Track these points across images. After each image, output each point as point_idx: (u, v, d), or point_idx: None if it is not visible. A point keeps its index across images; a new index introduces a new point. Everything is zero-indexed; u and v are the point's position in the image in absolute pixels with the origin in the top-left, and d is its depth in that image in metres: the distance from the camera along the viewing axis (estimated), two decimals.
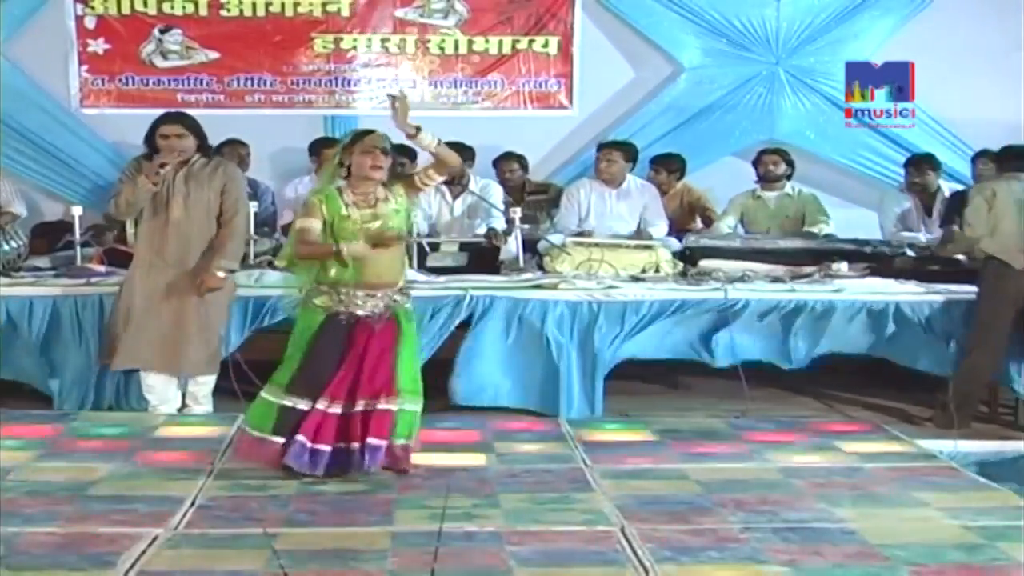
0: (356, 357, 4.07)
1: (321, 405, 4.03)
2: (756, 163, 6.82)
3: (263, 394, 4.15)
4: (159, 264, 5.04)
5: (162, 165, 4.90)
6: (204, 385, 5.21)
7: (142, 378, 5.18)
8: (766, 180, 6.77)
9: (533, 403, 5.43)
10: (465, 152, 6.63)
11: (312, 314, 4.11)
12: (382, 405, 4.07)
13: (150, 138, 5.02)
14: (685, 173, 7.11)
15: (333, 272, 4.07)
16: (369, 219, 4.08)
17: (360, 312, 4.08)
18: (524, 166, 7.08)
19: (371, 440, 4.04)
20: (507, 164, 7.01)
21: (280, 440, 4.04)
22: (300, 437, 4.00)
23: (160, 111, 5.34)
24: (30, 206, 7.04)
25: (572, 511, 3.78)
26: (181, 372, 5.14)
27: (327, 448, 4.03)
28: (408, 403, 4.12)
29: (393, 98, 4.17)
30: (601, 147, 6.69)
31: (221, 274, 4.97)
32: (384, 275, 4.12)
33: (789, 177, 6.83)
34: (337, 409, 4.04)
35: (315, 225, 4.03)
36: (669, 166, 7.04)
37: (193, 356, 5.06)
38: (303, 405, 4.04)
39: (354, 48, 7.49)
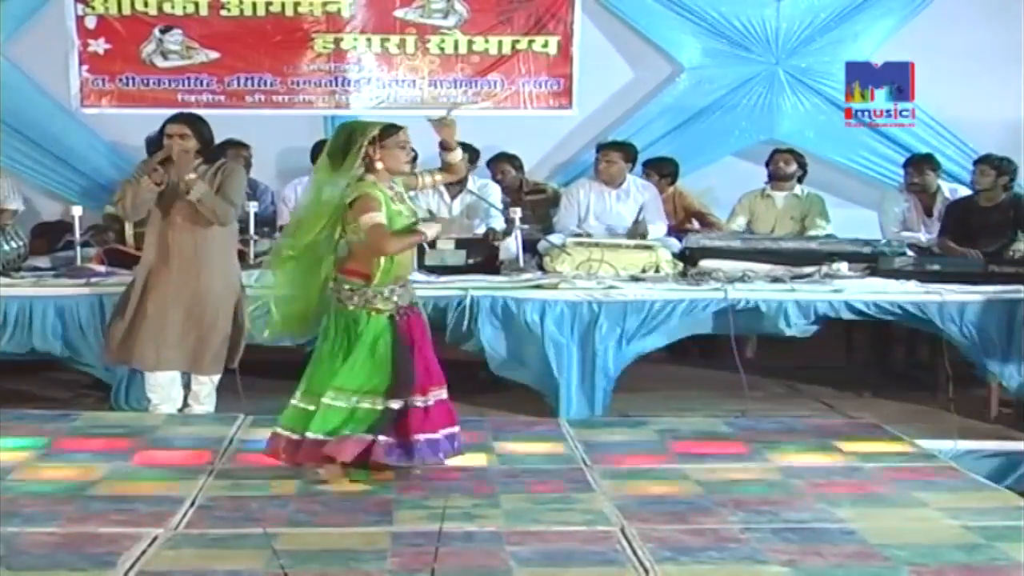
0: (417, 350, 4.09)
1: (419, 403, 4.04)
2: (768, 162, 6.81)
3: (347, 404, 4.00)
4: (166, 267, 5.05)
5: (161, 162, 4.91)
6: (206, 385, 5.21)
7: (146, 377, 5.19)
8: (775, 179, 6.76)
9: (532, 404, 5.44)
10: (471, 154, 6.65)
11: (377, 320, 4.02)
12: (439, 394, 4.13)
13: (159, 138, 5.05)
14: (678, 177, 7.10)
15: (381, 273, 3.99)
16: (410, 214, 4.10)
17: (403, 304, 4.08)
18: (518, 167, 7.07)
19: (451, 429, 4.14)
20: (501, 165, 7.00)
21: (370, 437, 3.98)
22: (389, 438, 4.02)
23: (160, 111, 5.37)
24: (30, 206, 7.05)
25: (572, 511, 3.77)
26: (191, 370, 5.16)
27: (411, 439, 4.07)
28: None
29: (441, 119, 4.22)
30: (600, 148, 6.69)
31: (190, 181, 4.90)
32: (409, 268, 4.25)
33: (800, 179, 6.83)
34: (419, 403, 4.07)
35: (383, 219, 3.96)
36: (661, 170, 7.03)
37: (199, 355, 5.07)
38: (397, 404, 4.02)
39: (354, 48, 7.49)
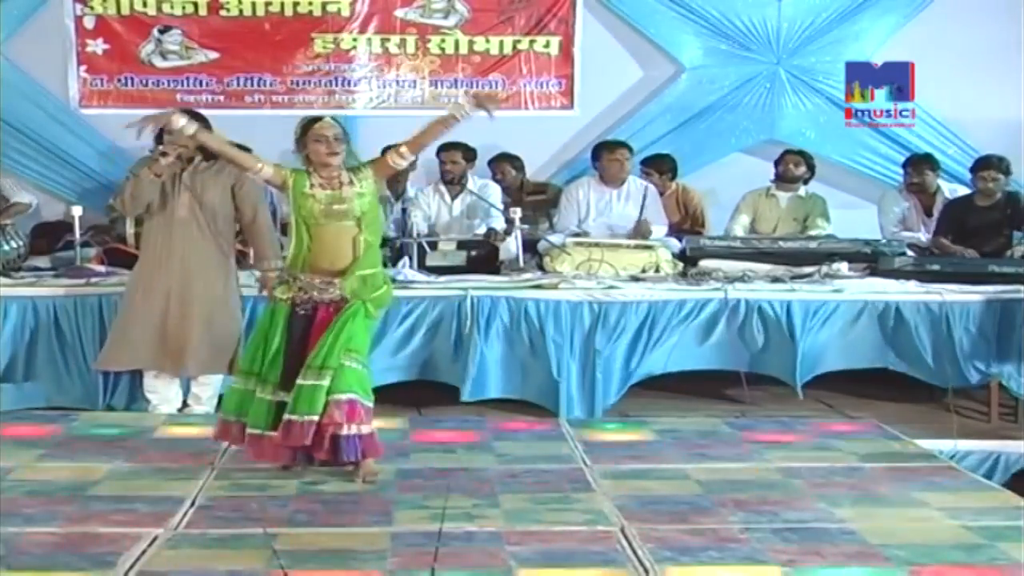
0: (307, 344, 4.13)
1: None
2: (778, 162, 6.79)
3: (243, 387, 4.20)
4: (164, 263, 5.04)
5: (162, 154, 4.91)
6: (207, 386, 5.21)
7: (144, 377, 5.19)
8: (783, 180, 6.74)
9: (533, 404, 5.44)
10: (468, 153, 6.65)
11: (277, 307, 4.16)
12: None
13: (159, 136, 5.04)
14: (677, 173, 7.09)
15: (291, 256, 4.13)
16: (332, 200, 4.07)
17: (314, 299, 4.11)
18: (519, 167, 7.07)
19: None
20: (501, 165, 7.00)
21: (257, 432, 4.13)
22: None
23: (160, 111, 5.34)
24: None
25: (572, 511, 3.78)
26: (186, 373, 5.14)
27: None
28: None
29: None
30: (607, 147, 6.66)
31: (272, 274, 4.92)
32: (338, 264, 4.09)
33: (807, 181, 6.82)
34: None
35: (266, 167, 4.13)
36: (660, 167, 7.01)
37: (197, 355, 5.04)
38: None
39: (354, 48, 7.49)
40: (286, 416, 3.98)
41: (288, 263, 4.14)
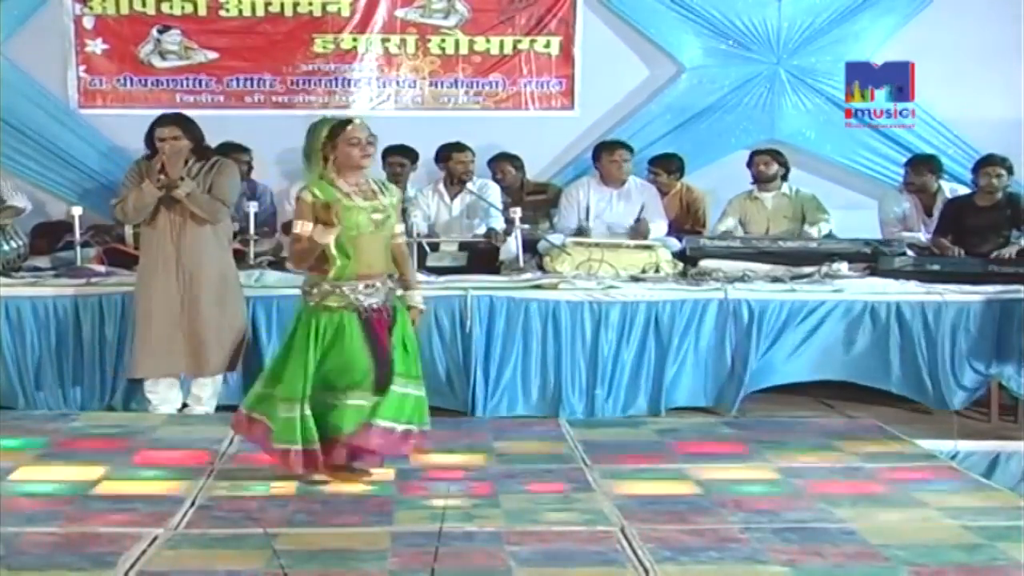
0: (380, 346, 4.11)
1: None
2: (749, 164, 6.81)
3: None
4: (166, 267, 5.05)
5: (162, 172, 4.93)
6: (207, 386, 5.22)
7: (145, 378, 5.19)
8: (760, 181, 6.76)
9: (533, 404, 5.44)
10: (465, 152, 6.65)
11: (331, 316, 4.00)
12: None
13: (149, 139, 5.05)
14: (684, 172, 7.10)
15: (336, 268, 3.95)
16: (374, 209, 3.98)
17: (367, 304, 4.01)
18: (519, 167, 7.06)
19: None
20: (501, 165, 6.99)
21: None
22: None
23: (159, 111, 5.36)
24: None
25: (572, 511, 3.78)
26: (206, 372, 5.14)
27: None
28: None
29: None
30: (607, 148, 6.66)
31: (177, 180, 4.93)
32: (378, 268, 4.04)
33: (784, 177, 6.83)
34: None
35: (307, 228, 3.89)
36: (668, 167, 7.02)
37: (214, 354, 5.07)
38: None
39: (354, 48, 7.48)
40: (403, 425, 4.02)
41: (332, 277, 3.94)
